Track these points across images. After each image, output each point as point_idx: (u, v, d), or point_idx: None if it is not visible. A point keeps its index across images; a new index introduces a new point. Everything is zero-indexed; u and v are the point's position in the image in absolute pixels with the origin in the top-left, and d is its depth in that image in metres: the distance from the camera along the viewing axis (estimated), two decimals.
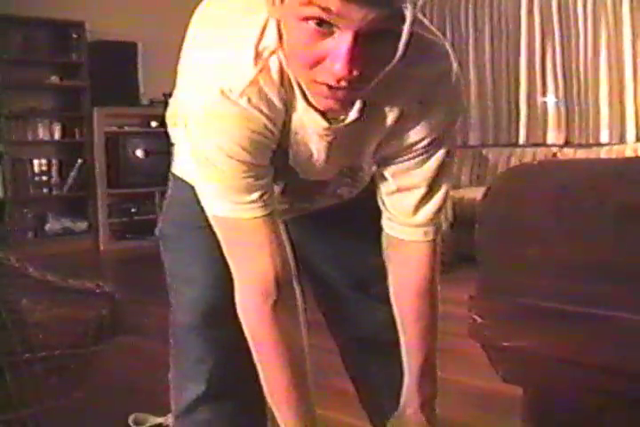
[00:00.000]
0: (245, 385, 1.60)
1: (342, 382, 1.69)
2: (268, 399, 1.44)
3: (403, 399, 1.53)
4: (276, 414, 1.43)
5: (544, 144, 6.70)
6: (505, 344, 1.15)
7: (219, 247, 1.38)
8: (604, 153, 6.12)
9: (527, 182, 1.08)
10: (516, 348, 1.14)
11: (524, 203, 1.08)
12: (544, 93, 6.77)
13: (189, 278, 1.64)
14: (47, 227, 7.13)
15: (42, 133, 7.16)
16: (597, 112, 6.43)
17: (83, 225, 7.24)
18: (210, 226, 1.38)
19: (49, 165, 7.20)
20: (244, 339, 1.42)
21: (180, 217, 1.66)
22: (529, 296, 1.09)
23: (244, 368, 1.48)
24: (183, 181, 1.61)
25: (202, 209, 1.37)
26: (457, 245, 5.33)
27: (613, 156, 6.01)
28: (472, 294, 1.19)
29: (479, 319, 1.17)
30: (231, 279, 1.39)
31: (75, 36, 7.20)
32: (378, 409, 1.81)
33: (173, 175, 1.70)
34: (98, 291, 2.37)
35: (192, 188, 1.46)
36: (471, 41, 7.19)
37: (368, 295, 1.73)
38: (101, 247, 7.21)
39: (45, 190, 7.20)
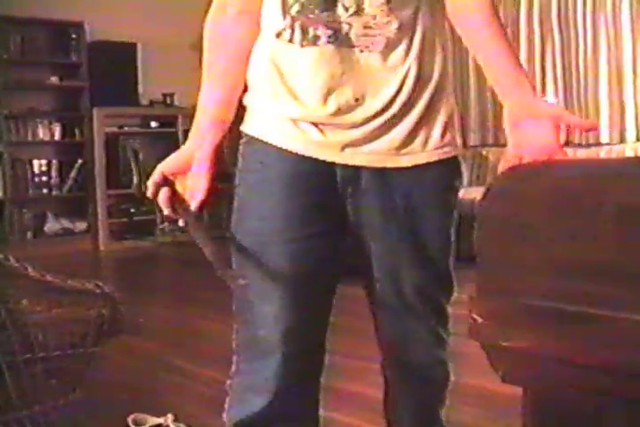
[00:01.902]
0: (306, 411, 1.65)
1: (342, 382, 1.69)
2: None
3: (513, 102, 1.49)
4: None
5: None
6: (505, 344, 1.15)
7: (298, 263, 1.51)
8: (603, 153, 6.12)
9: (527, 182, 1.08)
10: (515, 348, 1.14)
11: (523, 203, 1.08)
12: (544, 93, 6.77)
13: (267, 295, 1.59)
14: (46, 227, 7.13)
15: (41, 134, 7.17)
16: (597, 112, 6.43)
17: (82, 225, 7.24)
18: (291, 240, 1.51)
19: (49, 165, 7.21)
20: (316, 363, 1.57)
21: (257, 222, 1.60)
22: (529, 296, 1.09)
23: (309, 394, 1.61)
24: (265, 143, 1.58)
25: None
26: (457, 245, 5.33)
27: (613, 155, 6.01)
28: (472, 294, 1.19)
29: (479, 319, 1.16)
30: (310, 300, 1.54)
31: (74, 36, 7.21)
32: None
33: (248, 138, 1.63)
34: (97, 291, 2.36)
35: (279, 158, 1.54)
36: None
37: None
38: (101, 248, 7.21)
39: (45, 191, 7.21)
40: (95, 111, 7.18)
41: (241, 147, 1.63)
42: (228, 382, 1.65)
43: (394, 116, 1.52)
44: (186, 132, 8.49)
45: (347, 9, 1.47)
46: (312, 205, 1.55)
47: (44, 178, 7.18)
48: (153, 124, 7.50)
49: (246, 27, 1.58)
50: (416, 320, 1.64)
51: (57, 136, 7.25)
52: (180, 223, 1.69)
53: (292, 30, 1.50)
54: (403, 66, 1.51)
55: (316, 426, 1.67)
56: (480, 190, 1.28)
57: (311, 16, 1.49)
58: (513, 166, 1.19)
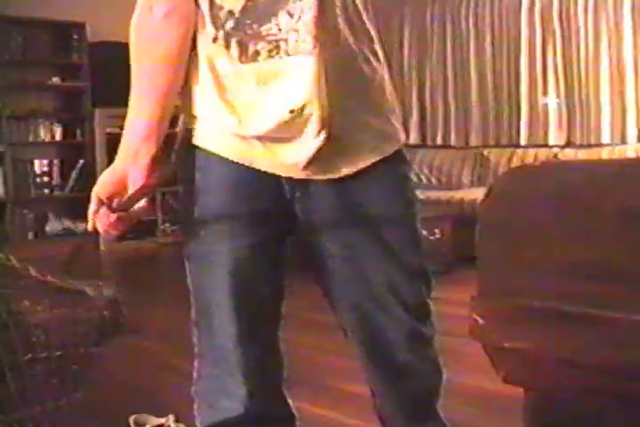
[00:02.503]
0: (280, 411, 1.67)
1: (339, 382, 1.68)
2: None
3: None
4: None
5: (545, 145, 6.70)
6: (506, 345, 1.15)
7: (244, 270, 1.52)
8: (605, 154, 6.12)
9: (528, 183, 1.08)
10: (517, 349, 1.14)
11: (524, 204, 1.08)
12: (545, 94, 6.77)
13: (217, 303, 1.61)
14: (48, 227, 7.13)
15: (43, 134, 7.17)
16: (598, 112, 6.43)
17: (83, 226, 7.23)
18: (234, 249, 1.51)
19: (50, 165, 7.21)
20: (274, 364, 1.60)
21: (203, 231, 1.60)
22: (530, 297, 1.09)
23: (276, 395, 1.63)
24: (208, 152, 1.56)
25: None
26: (458, 245, 5.34)
27: (615, 156, 6.01)
28: (473, 294, 1.19)
29: (480, 320, 1.17)
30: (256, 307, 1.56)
31: (75, 36, 7.22)
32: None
33: (194, 149, 1.59)
34: (99, 292, 2.37)
35: (221, 164, 1.51)
36: (472, 41, 7.19)
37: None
38: (102, 248, 7.21)
39: (46, 191, 7.21)
40: (97, 112, 7.18)
41: (180, 151, 1.62)
42: (193, 388, 1.67)
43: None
44: None
45: (291, 15, 1.43)
46: (257, 212, 1.56)
47: (46, 178, 7.19)
48: None
49: (175, 29, 1.48)
50: (390, 320, 1.61)
51: (58, 136, 7.25)
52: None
53: (228, 45, 1.45)
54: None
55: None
56: (481, 191, 1.28)
57: (249, 32, 1.44)
58: (514, 167, 1.20)
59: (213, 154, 1.54)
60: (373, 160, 1.55)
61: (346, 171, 1.53)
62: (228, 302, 1.56)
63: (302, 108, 1.43)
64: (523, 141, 6.85)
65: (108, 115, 7.17)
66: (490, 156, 6.79)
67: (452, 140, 7.25)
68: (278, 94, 1.44)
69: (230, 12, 1.44)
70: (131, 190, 1.55)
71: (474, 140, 7.14)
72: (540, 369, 1.17)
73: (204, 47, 1.48)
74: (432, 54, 7.49)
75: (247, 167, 1.52)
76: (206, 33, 1.46)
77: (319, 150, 1.46)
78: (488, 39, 7.11)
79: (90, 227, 1.58)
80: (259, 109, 1.46)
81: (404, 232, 1.62)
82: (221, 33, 1.45)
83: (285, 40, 1.43)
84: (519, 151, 6.68)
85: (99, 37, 7.20)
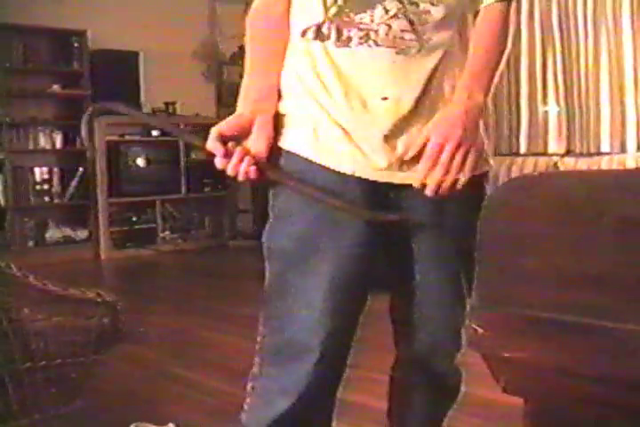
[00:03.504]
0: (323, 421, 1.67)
1: (344, 393, 1.68)
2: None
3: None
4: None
5: (545, 153, 6.69)
6: (505, 355, 1.15)
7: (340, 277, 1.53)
8: (605, 163, 6.11)
9: (527, 194, 1.08)
10: (516, 358, 1.14)
11: (523, 214, 1.08)
12: (545, 102, 6.78)
13: (308, 301, 1.58)
14: (48, 235, 7.13)
15: (43, 142, 7.17)
16: (598, 121, 6.44)
17: (83, 234, 7.25)
18: (340, 247, 1.52)
19: (50, 173, 7.21)
20: (341, 371, 1.60)
21: (303, 227, 1.58)
22: (529, 307, 1.09)
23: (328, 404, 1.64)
24: (298, 156, 1.58)
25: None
26: None
27: (615, 165, 6.01)
28: (472, 304, 1.19)
29: (480, 330, 1.17)
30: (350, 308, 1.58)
31: (76, 44, 7.22)
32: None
33: (284, 152, 1.61)
34: (98, 300, 2.37)
35: (314, 167, 1.54)
36: None
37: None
38: (102, 256, 7.22)
39: (46, 199, 7.20)
40: (96, 120, 7.18)
41: (276, 157, 1.62)
42: (250, 384, 1.65)
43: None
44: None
45: (387, 11, 1.52)
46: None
47: (46, 186, 7.18)
48: (154, 132, 7.51)
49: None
50: (446, 331, 1.67)
51: (58, 144, 7.25)
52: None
53: (329, 31, 1.55)
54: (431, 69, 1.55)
55: None
56: None
57: (346, 19, 1.53)
58: (513, 178, 1.20)
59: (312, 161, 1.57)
60: (469, 175, 1.54)
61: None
62: (324, 301, 1.55)
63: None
64: (522, 150, 6.85)
65: (108, 123, 7.18)
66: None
67: None
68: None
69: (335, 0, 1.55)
70: (254, 138, 1.58)
71: None
72: (539, 379, 1.17)
73: (301, 46, 1.59)
74: None
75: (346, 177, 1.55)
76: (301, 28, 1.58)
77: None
78: None
79: (220, 165, 1.55)
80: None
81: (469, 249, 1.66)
82: (327, 21, 1.55)
83: (376, 31, 1.52)
84: (519, 160, 6.66)
85: (100, 45, 7.22)
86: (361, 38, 1.52)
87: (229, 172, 1.54)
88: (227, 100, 7.71)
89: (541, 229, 1.04)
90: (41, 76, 7.21)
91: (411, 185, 1.53)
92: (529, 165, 6.52)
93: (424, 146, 1.51)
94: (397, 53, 1.52)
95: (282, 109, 1.61)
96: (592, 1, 6.46)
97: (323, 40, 1.55)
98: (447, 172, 1.48)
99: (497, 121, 7.07)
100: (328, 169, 1.55)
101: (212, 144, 1.54)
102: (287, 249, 1.59)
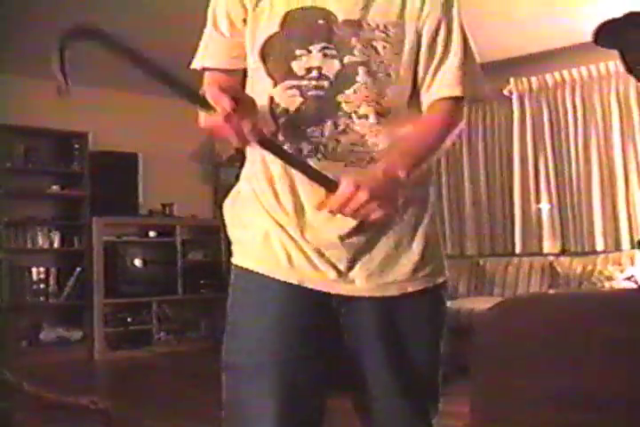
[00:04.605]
0: None
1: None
2: None
3: None
4: None
5: (540, 253, 6.72)
6: None
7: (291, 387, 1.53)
8: (600, 261, 6.12)
9: (516, 316, 1.10)
10: None
11: (512, 336, 1.10)
12: (538, 202, 6.84)
13: (262, 413, 1.58)
14: (42, 335, 7.07)
15: (41, 241, 7.20)
16: (591, 220, 6.49)
17: (77, 334, 7.18)
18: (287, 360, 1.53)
19: (47, 272, 7.21)
20: None
21: (247, 344, 1.61)
22: (519, 425, 1.10)
23: None
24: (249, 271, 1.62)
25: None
26: (454, 355, 5.28)
27: (610, 264, 6.02)
28: (466, 422, 1.19)
29: None
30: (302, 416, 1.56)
31: (77, 146, 7.35)
32: None
33: (237, 268, 1.66)
34: (93, 407, 2.34)
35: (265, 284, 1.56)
36: (465, 150, 7.29)
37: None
38: (95, 357, 7.13)
39: (42, 298, 7.18)
40: (95, 220, 7.23)
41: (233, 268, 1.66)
42: None
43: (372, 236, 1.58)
44: (184, 242, 8.47)
45: (336, 126, 1.55)
46: (308, 326, 1.58)
47: (42, 285, 7.17)
48: (151, 233, 7.54)
49: None
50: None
51: (56, 244, 7.28)
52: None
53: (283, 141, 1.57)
54: None
55: None
56: (477, 301, 1.30)
57: (297, 131, 1.56)
58: (502, 301, 1.22)
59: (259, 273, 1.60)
60: (422, 287, 1.60)
61: (393, 292, 1.59)
62: (273, 414, 1.55)
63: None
64: (518, 250, 6.87)
65: (105, 223, 7.23)
66: (486, 265, 6.78)
67: (448, 249, 7.28)
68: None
69: (285, 110, 1.58)
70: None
71: (469, 250, 7.17)
72: None
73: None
74: None
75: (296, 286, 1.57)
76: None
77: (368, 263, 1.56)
78: (481, 148, 7.22)
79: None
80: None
81: (431, 359, 1.66)
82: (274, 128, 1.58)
83: (325, 145, 1.55)
84: (515, 260, 6.69)
85: (99, 147, 7.33)
86: (310, 151, 1.55)
87: (232, 128, 1.41)
88: (223, 201, 7.77)
89: (529, 350, 1.05)
90: (41, 176, 7.30)
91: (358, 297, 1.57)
92: (525, 265, 6.55)
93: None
94: (346, 166, 1.55)
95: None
96: (581, 103, 6.62)
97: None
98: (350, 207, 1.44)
99: (492, 221, 7.12)
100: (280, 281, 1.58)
101: (219, 97, 1.40)
102: (236, 364, 1.61)
